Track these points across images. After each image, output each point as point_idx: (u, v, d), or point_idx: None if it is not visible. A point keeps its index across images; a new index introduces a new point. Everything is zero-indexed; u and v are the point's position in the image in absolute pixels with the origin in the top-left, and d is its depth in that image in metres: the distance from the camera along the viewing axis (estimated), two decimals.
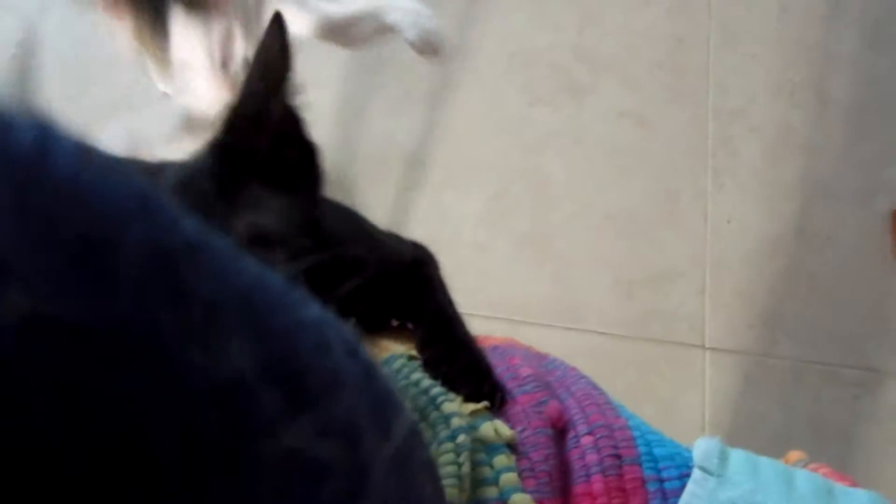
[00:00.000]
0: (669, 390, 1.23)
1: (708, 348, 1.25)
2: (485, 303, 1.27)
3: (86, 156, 0.14)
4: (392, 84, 1.38)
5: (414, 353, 0.46)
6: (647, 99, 1.40)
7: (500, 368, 0.47)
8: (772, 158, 1.38)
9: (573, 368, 0.53)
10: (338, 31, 0.94)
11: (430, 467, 0.24)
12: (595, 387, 0.52)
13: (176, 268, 0.15)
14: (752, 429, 1.20)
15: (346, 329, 0.19)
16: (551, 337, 1.25)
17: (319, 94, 1.36)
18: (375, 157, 1.34)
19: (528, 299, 1.27)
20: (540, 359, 0.52)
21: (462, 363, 0.45)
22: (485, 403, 0.41)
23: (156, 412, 0.13)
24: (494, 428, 0.40)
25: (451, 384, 0.43)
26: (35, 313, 0.12)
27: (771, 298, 1.28)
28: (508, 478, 0.39)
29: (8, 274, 0.12)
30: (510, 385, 0.45)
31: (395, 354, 0.46)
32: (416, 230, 1.30)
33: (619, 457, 0.43)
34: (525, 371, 0.47)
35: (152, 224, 0.14)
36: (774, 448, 1.15)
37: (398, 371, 0.43)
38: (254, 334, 0.16)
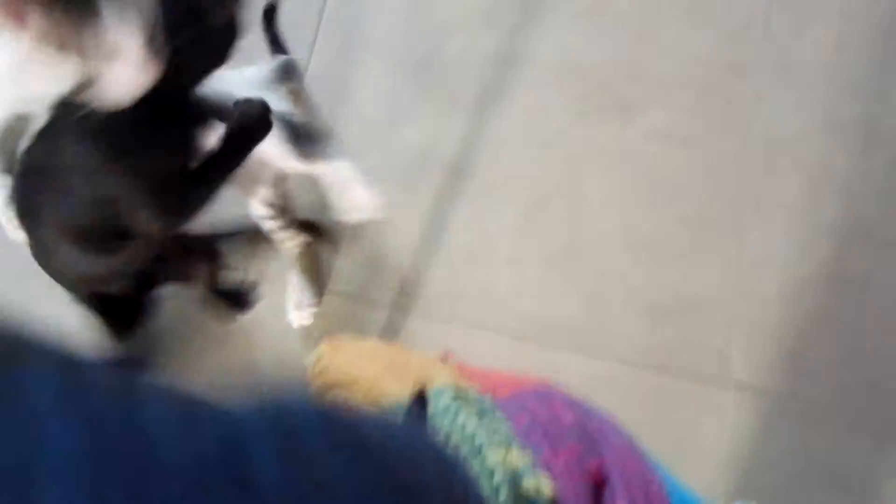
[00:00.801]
0: (690, 423, 1.22)
1: (731, 384, 1.24)
2: (514, 317, 1.27)
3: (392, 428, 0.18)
4: (440, 86, 1.38)
5: (461, 384, 0.46)
6: (694, 123, 1.39)
7: (542, 415, 0.47)
8: (813, 197, 1.36)
9: (609, 420, 0.53)
10: None
11: None
12: (631, 440, 0.52)
13: None
14: (770, 470, 1.19)
15: None
16: (576, 362, 1.25)
17: (365, 91, 1.36)
18: (416, 159, 1.34)
19: (556, 319, 1.27)
20: (578, 404, 0.52)
21: None
22: (528, 456, 0.41)
23: None
24: (537, 486, 0.40)
25: None
26: None
27: (799, 339, 1.26)
28: None
29: None
30: (554, 432, 0.45)
31: (443, 387, 0.46)
32: (452, 239, 1.30)
33: None
34: (568, 419, 0.47)
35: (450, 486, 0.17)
36: (790, 492, 1.14)
37: (445, 411, 0.43)
38: None
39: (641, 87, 1.40)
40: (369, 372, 0.46)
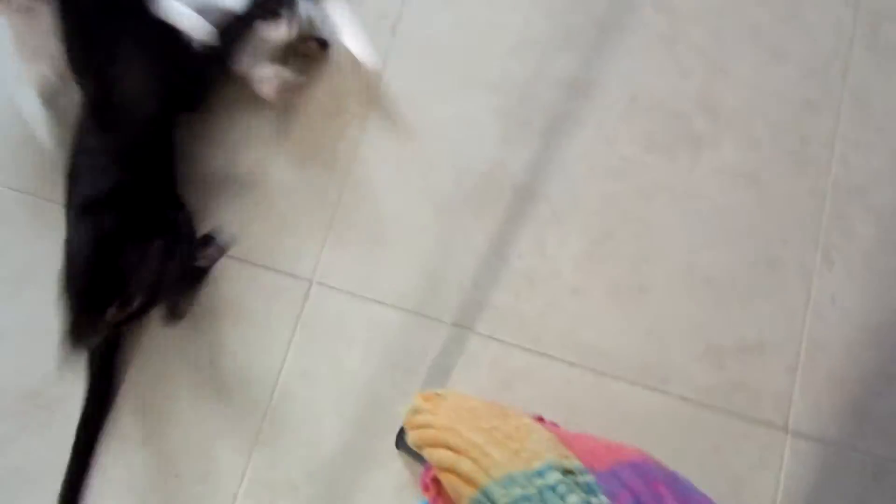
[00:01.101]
0: (744, 468, 1.21)
1: (790, 430, 1.23)
2: (573, 347, 1.27)
3: None
4: (509, 109, 1.38)
5: (568, 464, 0.46)
6: (766, 161, 1.37)
7: (644, 494, 0.47)
8: (885, 243, 1.33)
9: (705, 497, 0.53)
10: None
11: None
12: None
13: None
14: None
15: None
16: (634, 394, 1.25)
17: (438, 108, 1.36)
18: (483, 179, 1.34)
19: (616, 351, 1.27)
20: (674, 479, 0.52)
21: None
22: None
23: None
24: None
25: None
26: None
27: (863, 389, 1.24)
28: None
29: None
30: None
31: (548, 465, 0.46)
32: (515, 262, 1.30)
33: None
34: (669, 501, 0.47)
35: None
36: None
37: (555, 491, 0.43)
38: None
39: (713, 121, 1.39)
40: (476, 439, 0.47)
